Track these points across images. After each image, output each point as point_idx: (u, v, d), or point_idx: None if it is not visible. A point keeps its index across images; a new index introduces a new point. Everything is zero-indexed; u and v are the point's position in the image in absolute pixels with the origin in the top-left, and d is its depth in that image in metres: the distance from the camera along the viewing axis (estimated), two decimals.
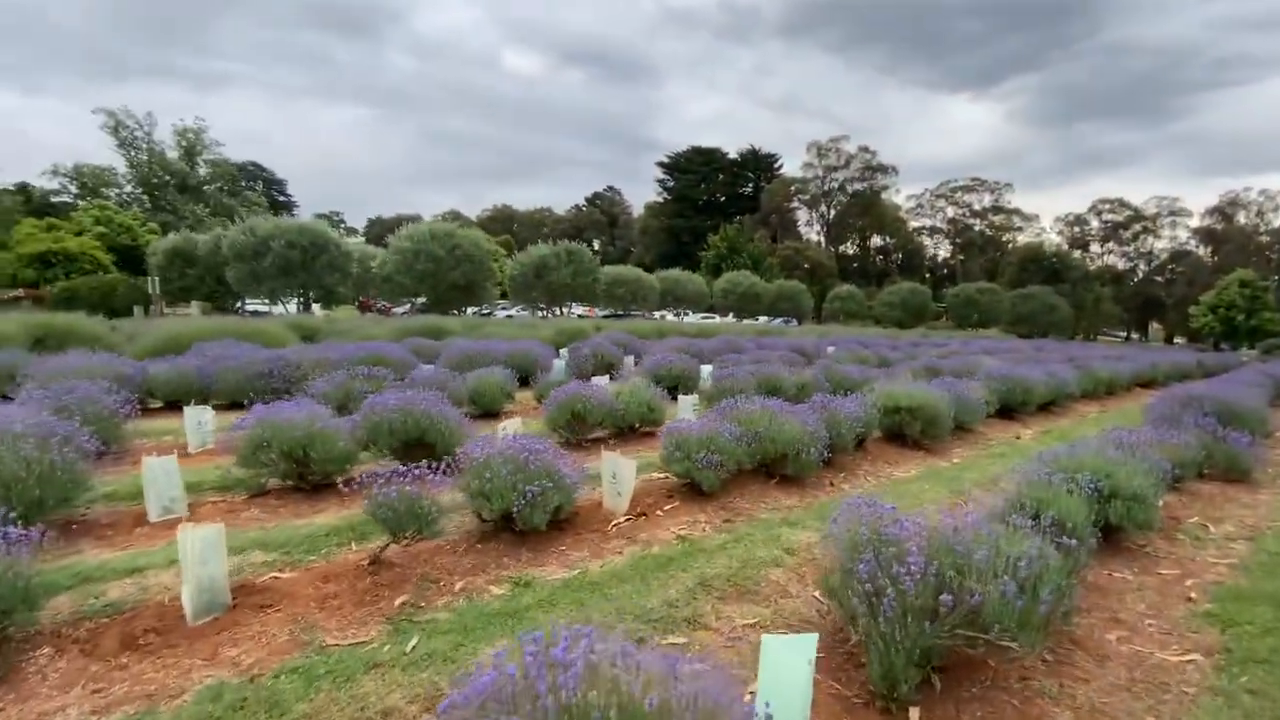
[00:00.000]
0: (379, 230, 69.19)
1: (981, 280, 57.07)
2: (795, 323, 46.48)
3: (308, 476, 4.90)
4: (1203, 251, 63.46)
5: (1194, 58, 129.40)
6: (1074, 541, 3.21)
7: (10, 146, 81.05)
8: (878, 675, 2.54)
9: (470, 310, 34.39)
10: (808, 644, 2.16)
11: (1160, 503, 4.68)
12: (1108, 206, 66.63)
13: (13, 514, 3.12)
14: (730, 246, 57.67)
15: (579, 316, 38.41)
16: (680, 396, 8.18)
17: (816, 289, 54.98)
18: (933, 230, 78.27)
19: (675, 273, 45.50)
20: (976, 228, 74.76)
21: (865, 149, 71.76)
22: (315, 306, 33.14)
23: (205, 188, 52.82)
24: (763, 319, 46.25)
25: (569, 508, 4.31)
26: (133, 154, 49.58)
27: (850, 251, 78.00)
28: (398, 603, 3.30)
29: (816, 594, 3.52)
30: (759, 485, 5.58)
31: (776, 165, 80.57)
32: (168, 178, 50.52)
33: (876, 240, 78.47)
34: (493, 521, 4.15)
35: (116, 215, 40.95)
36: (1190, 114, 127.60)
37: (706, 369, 11.01)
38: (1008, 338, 38.63)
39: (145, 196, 50.16)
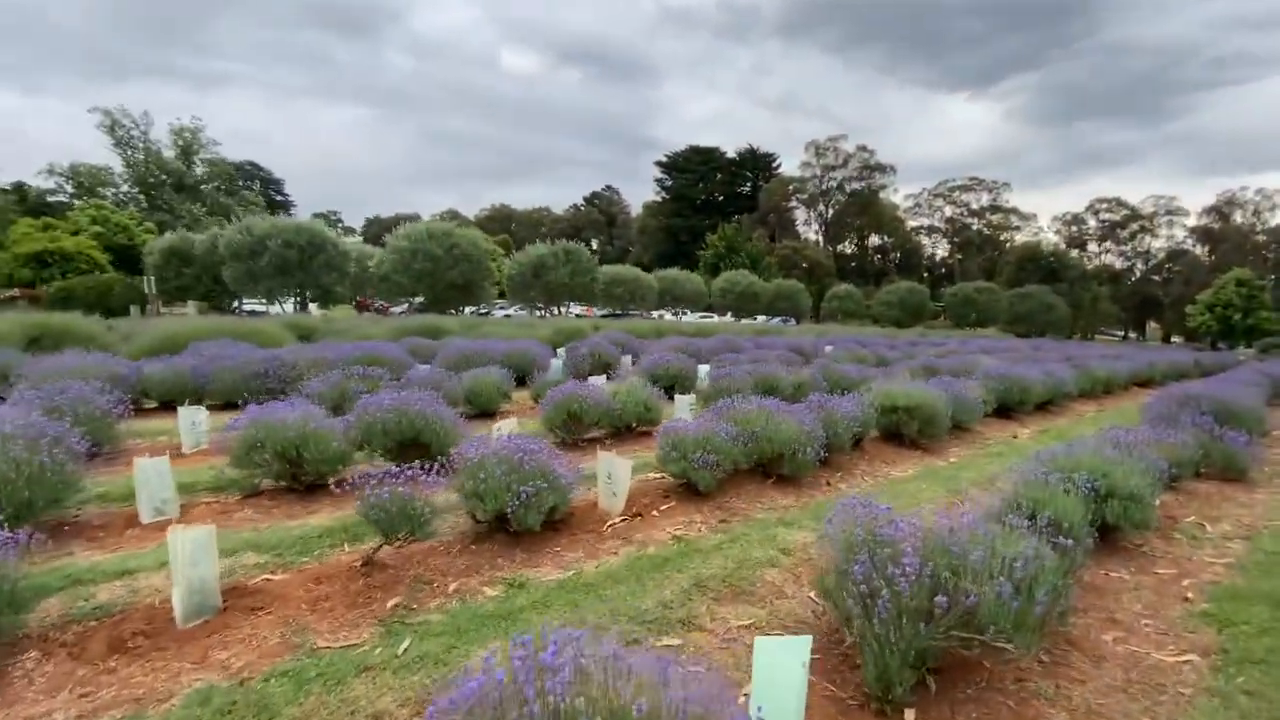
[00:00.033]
0: (377, 230, 69.01)
1: (979, 279, 57.14)
2: (793, 322, 46.48)
3: (301, 477, 4.87)
4: (1200, 251, 63.60)
5: (1192, 57, 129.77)
6: (1070, 542, 3.19)
7: (9, 147, 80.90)
8: (872, 677, 2.53)
9: (468, 310, 34.34)
10: (801, 646, 2.14)
11: (1157, 502, 4.66)
12: (1105, 206, 66.76)
13: (1, 516, 3.09)
14: (728, 246, 57.67)
15: (577, 316, 38.38)
16: (677, 396, 8.16)
17: (814, 288, 55.01)
18: (931, 229, 78.38)
19: (673, 272, 45.48)
20: (974, 227, 74.84)
21: (863, 148, 71.90)
22: (312, 306, 33.07)
23: (202, 187, 52.67)
24: (761, 318, 46.25)
25: (564, 508, 4.29)
26: (129, 153, 49.45)
27: (848, 251, 78.04)
28: (390, 604, 3.28)
29: (812, 595, 3.50)
30: (755, 485, 5.56)
31: (775, 164, 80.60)
32: (164, 177, 50.38)
33: (874, 239, 78.52)
34: (487, 522, 4.13)
35: (113, 215, 40.85)
36: (1188, 113, 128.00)
37: (704, 368, 11.00)
38: (1005, 337, 38.67)
39: (142, 196, 50.01)
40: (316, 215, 56.78)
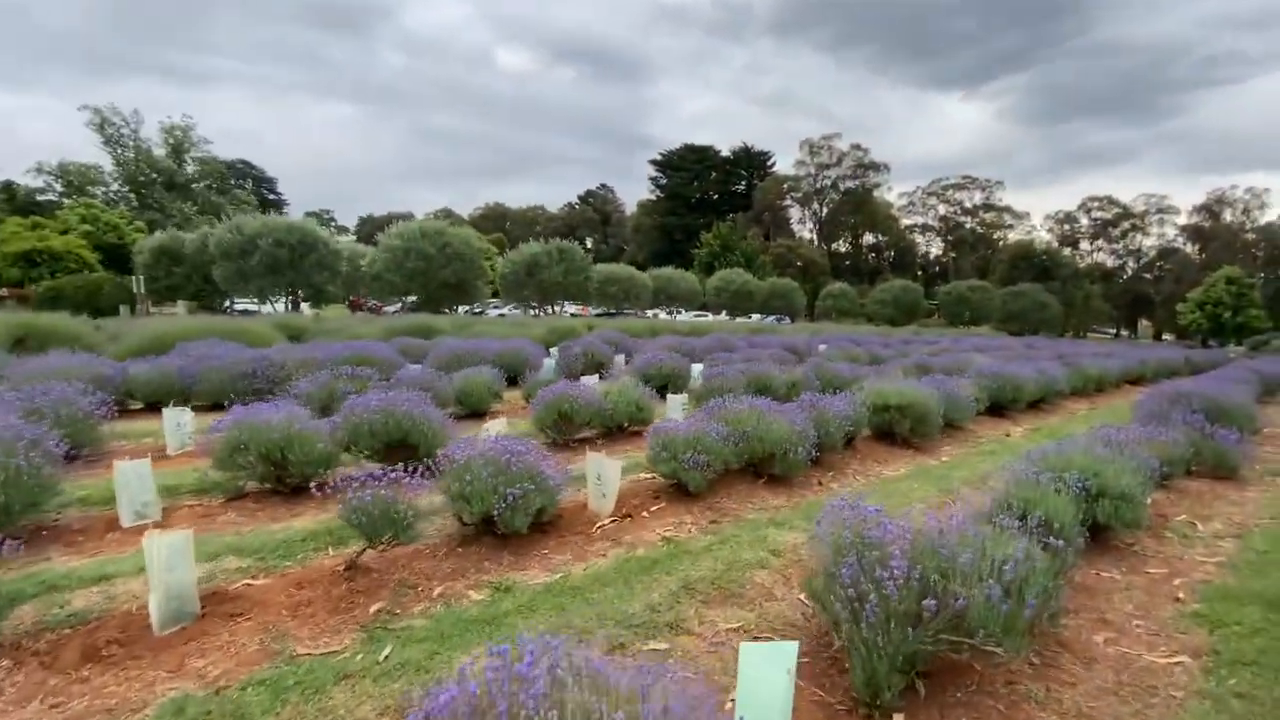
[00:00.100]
0: (370, 229, 68.80)
1: (973, 278, 57.32)
2: (788, 321, 46.51)
3: (286, 479, 4.80)
4: (1190, 249, 63.98)
5: (1183, 56, 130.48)
6: (1061, 542, 3.17)
7: (1, 146, 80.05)
8: (860, 682, 2.49)
9: (462, 309, 34.18)
10: (787, 653, 2.10)
11: (1148, 501, 4.65)
12: (1097, 204, 67.08)
13: None
14: (723, 244, 57.64)
15: (572, 315, 38.27)
16: (670, 396, 8.12)
17: (809, 287, 55.03)
18: (924, 228, 78.58)
19: (668, 271, 45.40)
20: (968, 225, 75.05)
21: (857, 146, 71.95)
22: (304, 305, 32.86)
23: (193, 186, 52.23)
24: (755, 317, 46.25)
25: (552, 510, 4.24)
26: (119, 152, 48.96)
27: (843, 249, 78.18)
28: (373, 610, 3.22)
29: (802, 597, 3.46)
30: (747, 485, 5.53)
31: (769, 163, 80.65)
32: (155, 175, 49.95)
33: (869, 238, 78.68)
34: (474, 525, 4.07)
35: (103, 214, 40.42)
36: (1179, 112, 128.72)
37: (697, 368, 10.95)
38: (999, 335, 38.80)
39: (132, 195, 49.56)
40: (309, 214, 56.46)
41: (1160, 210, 64.96)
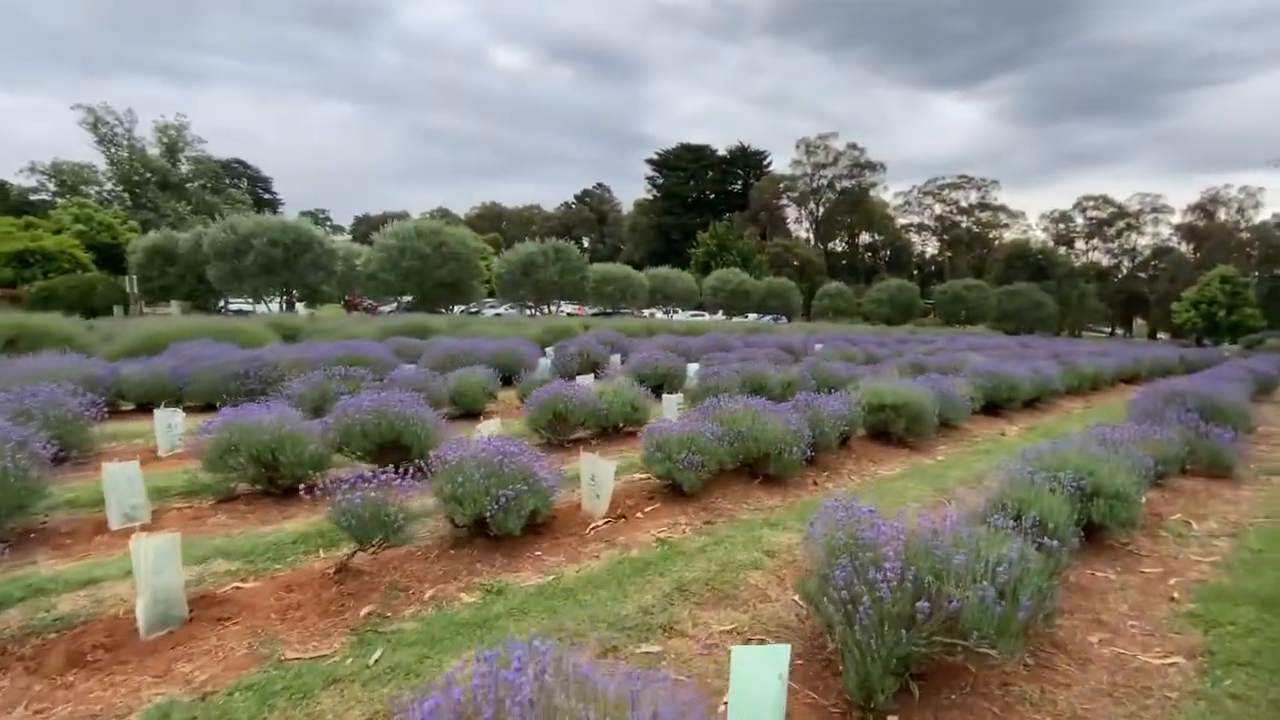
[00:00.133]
0: (366, 228, 68.64)
1: (968, 277, 57.46)
2: (784, 320, 46.53)
3: (277, 481, 4.76)
4: (1185, 248, 64.26)
5: (1177, 56, 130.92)
6: (1056, 542, 3.15)
7: None
8: (854, 684, 2.47)
9: (458, 309, 34.11)
10: (779, 656, 2.08)
11: (1143, 500, 4.65)
12: (1092, 203, 67.30)
13: None
14: (719, 244, 57.68)
15: (568, 315, 38.23)
16: (665, 395, 8.09)
17: (805, 286, 55.08)
18: (920, 227, 78.75)
19: (664, 270, 45.41)
20: (963, 225, 75.24)
21: (853, 146, 72.11)
22: (299, 305, 32.74)
23: (188, 185, 52.04)
24: (752, 316, 46.28)
25: (545, 511, 4.21)
26: (112, 151, 48.75)
27: (839, 249, 78.29)
28: (363, 613, 3.19)
29: (796, 598, 3.44)
30: (741, 485, 5.51)
31: (765, 162, 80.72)
32: (149, 175, 49.73)
33: (865, 237, 78.81)
34: (466, 526, 4.04)
35: (96, 213, 40.24)
36: (1174, 112, 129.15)
37: (693, 367, 10.93)
38: (994, 334, 38.91)
39: (126, 194, 49.34)
40: (304, 213, 56.20)
41: (1155, 209, 65.25)
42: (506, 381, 10.13)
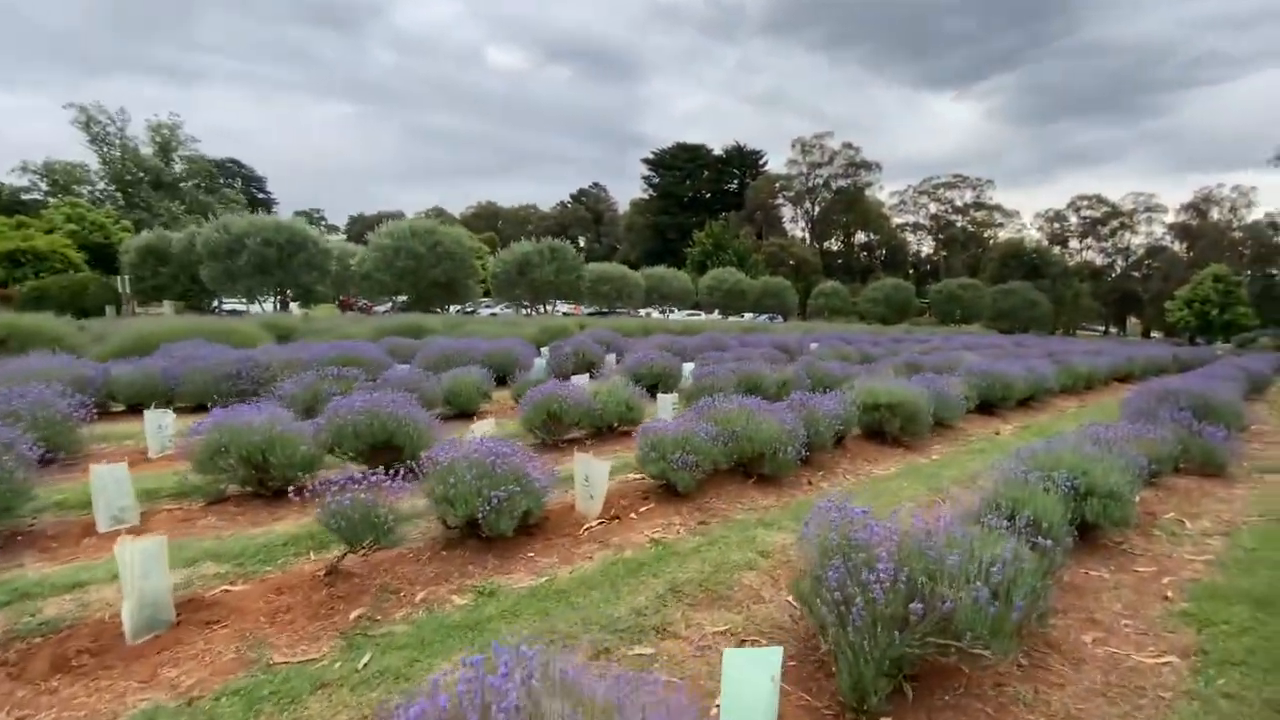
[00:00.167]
0: (361, 228, 68.28)
1: (963, 276, 57.61)
2: (780, 319, 46.56)
3: (268, 482, 4.72)
4: (1178, 247, 64.59)
5: (1170, 56, 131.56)
6: (1049, 542, 3.14)
7: None
8: (847, 686, 2.45)
9: (453, 308, 34.00)
10: (771, 658, 2.06)
11: (1137, 499, 4.65)
12: (1086, 203, 67.61)
13: None
14: (715, 243, 57.66)
15: (564, 314, 38.15)
16: (660, 395, 8.07)
17: (801, 285, 55.14)
18: (916, 226, 78.94)
19: (660, 270, 45.37)
20: (959, 224, 75.49)
21: (849, 145, 72.25)
22: (294, 305, 32.59)
23: (181, 185, 51.71)
24: (748, 315, 46.27)
25: (538, 512, 4.18)
26: (105, 150, 48.41)
27: (835, 248, 78.39)
28: (353, 616, 3.16)
29: (790, 599, 3.43)
30: (736, 485, 5.49)
31: (761, 162, 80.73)
32: (141, 174, 49.40)
33: (860, 236, 78.93)
34: (458, 528, 4.01)
35: (89, 213, 39.92)
36: (1166, 112, 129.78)
37: (688, 366, 10.91)
38: (989, 333, 39.03)
39: (119, 194, 49.00)
40: (299, 213, 56.15)
41: (1148, 209, 65.61)
42: (501, 381, 10.10)
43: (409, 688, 2.53)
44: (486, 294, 40.24)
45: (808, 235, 76.37)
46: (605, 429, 7.36)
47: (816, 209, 74.97)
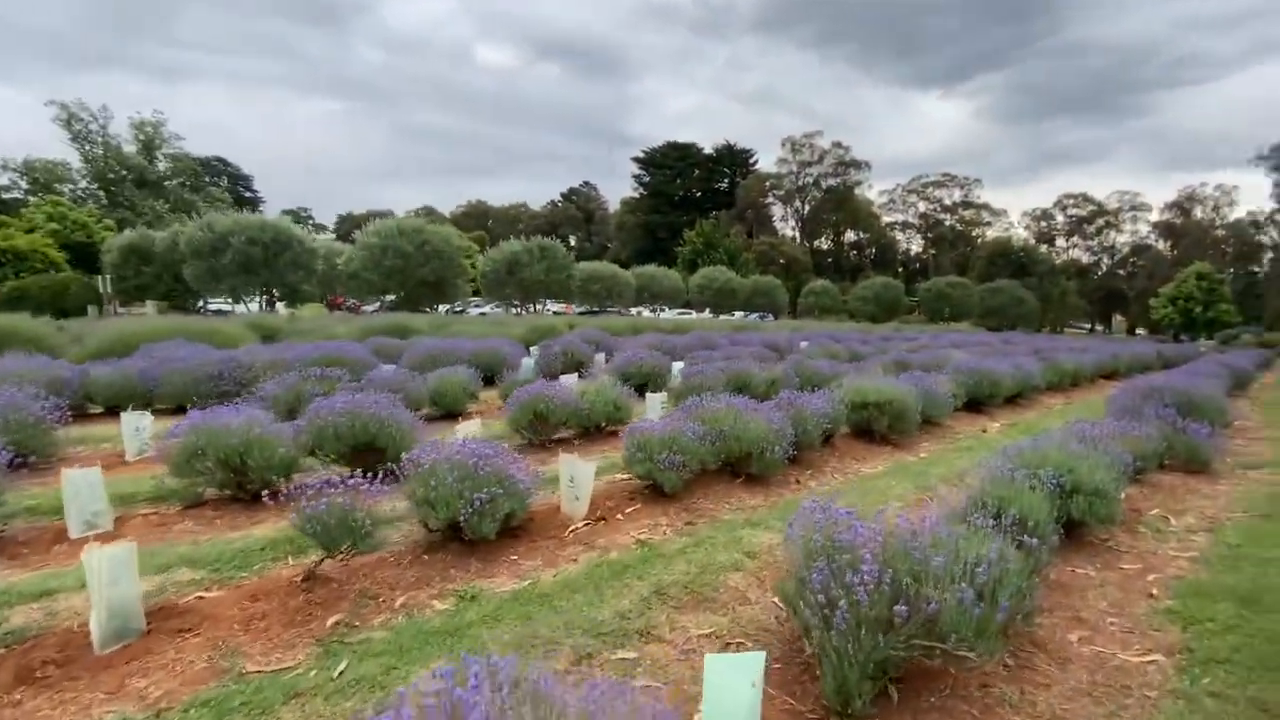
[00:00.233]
0: (349, 227, 67.73)
1: (952, 274, 57.99)
2: (770, 318, 46.66)
3: (246, 486, 4.63)
4: (1162, 245, 65.38)
5: (1154, 56, 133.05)
6: (1035, 540, 3.13)
7: None
8: (831, 689, 2.42)
9: (442, 308, 33.79)
10: (753, 664, 2.01)
11: (1122, 496, 4.66)
12: (1072, 201, 68.27)
13: None
14: (706, 242, 57.67)
15: (554, 313, 38.04)
16: (649, 394, 8.02)
17: (791, 284, 55.28)
18: (905, 225, 79.41)
19: (651, 269, 45.35)
20: (947, 223, 75.99)
21: (839, 144, 72.57)
22: (280, 305, 32.25)
23: (165, 183, 51.04)
24: (738, 314, 46.35)
25: (522, 514, 4.12)
26: (87, 148, 47.69)
27: (824, 246, 78.70)
28: (330, 622, 3.08)
29: (776, 600, 3.39)
30: (724, 485, 5.45)
31: (751, 161, 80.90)
32: (125, 173, 48.72)
33: (850, 235, 79.29)
34: (440, 531, 3.94)
35: (70, 212, 39.29)
36: (1150, 111, 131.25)
37: (678, 365, 10.87)
38: (977, 331, 39.29)
39: (101, 192, 48.30)
40: (285, 212, 55.59)
41: (1133, 207, 66.38)
42: (489, 381, 10.02)
43: (384, 697, 2.46)
44: (476, 293, 40.05)
45: (798, 234, 76.61)
46: (593, 429, 7.30)
47: (806, 208, 75.22)
